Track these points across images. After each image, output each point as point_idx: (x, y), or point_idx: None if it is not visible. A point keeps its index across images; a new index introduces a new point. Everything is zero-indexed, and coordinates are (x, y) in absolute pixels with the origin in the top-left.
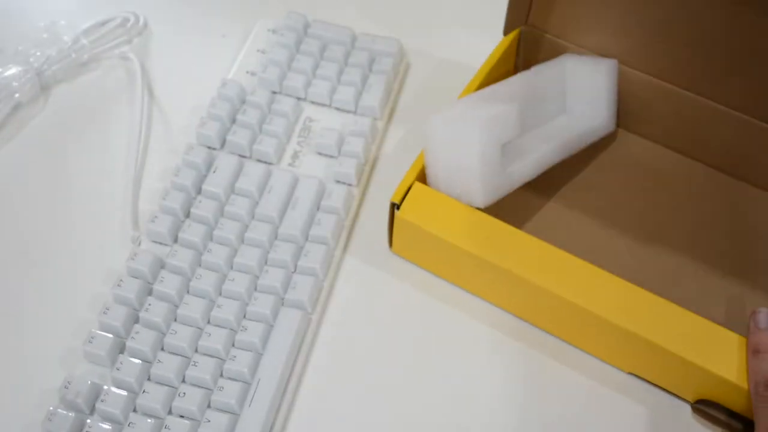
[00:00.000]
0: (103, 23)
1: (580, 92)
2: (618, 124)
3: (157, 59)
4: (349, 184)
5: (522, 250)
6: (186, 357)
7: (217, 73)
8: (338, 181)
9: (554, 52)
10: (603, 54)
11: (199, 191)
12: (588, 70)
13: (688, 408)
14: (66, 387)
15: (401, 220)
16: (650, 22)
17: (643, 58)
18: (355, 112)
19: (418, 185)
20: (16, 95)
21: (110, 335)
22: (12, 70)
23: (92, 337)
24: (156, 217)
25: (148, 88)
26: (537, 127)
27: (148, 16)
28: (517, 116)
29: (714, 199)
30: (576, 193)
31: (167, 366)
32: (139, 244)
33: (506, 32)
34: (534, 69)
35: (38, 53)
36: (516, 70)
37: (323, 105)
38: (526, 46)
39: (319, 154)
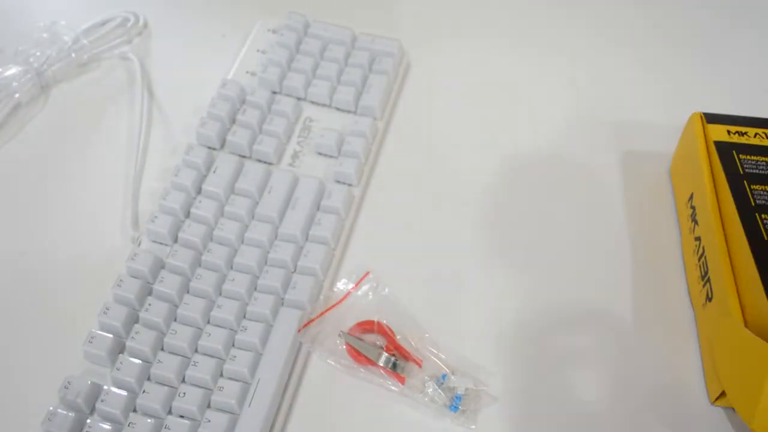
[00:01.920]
0: (103, 23)
1: None
2: None
3: (157, 59)
4: (350, 184)
5: None
6: (186, 357)
7: (217, 73)
8: (338, 181)
9: None
10: None
11: (199, 191)
12: None
13: None
14: (66, 387)
15: None
16: None
17: None
18: (355, 112)
19: None
20: (16, 95)
21: (110, 335)
22: (12, 70)
23: (92, 337)
24: (156, 217)
25: (148, 88)
26: None
27: (148, 16)
28: None
29: None
30: None
31: (167, 366)
32: (139, 244)
33: None
34: None
35: (38, 53)
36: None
37: (323, 105)
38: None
39: (319, 154)
